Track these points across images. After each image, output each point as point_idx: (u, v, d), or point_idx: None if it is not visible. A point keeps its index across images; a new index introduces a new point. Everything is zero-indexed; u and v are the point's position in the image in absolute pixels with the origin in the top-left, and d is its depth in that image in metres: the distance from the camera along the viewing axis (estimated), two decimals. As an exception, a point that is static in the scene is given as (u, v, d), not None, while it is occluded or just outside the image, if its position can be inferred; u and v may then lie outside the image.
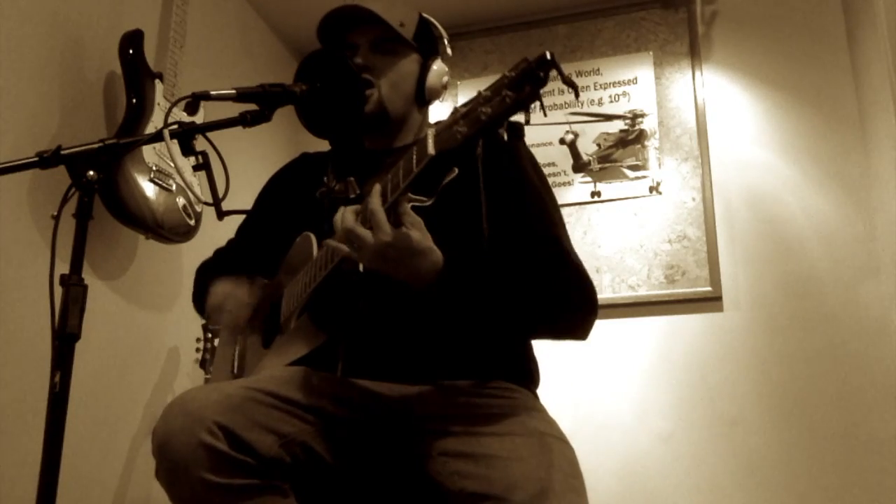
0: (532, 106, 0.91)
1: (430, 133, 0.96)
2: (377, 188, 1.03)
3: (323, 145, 1.50)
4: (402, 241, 1.01)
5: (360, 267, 1.16)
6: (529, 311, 1.16)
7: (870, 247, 2.58)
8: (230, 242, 1.58)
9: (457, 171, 1.26)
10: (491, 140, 1.21)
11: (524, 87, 0.88)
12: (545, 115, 0.92)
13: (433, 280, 1.05)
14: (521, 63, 0.89)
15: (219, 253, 1.57)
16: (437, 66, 1.39)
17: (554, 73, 0.88)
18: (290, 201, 1.46)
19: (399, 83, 1.36)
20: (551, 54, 0.87)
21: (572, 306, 1.20)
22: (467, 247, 1.17)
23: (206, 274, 1.51)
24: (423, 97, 1.38)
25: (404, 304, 1.22)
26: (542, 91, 0.89)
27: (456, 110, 0.95)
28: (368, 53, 1.35)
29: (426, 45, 1.40)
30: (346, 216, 1.04)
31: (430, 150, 0.95)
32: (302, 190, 1.43)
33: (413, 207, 1.17)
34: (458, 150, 0.94)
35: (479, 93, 0.92)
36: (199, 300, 1.49)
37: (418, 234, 1.03)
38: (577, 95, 0.98)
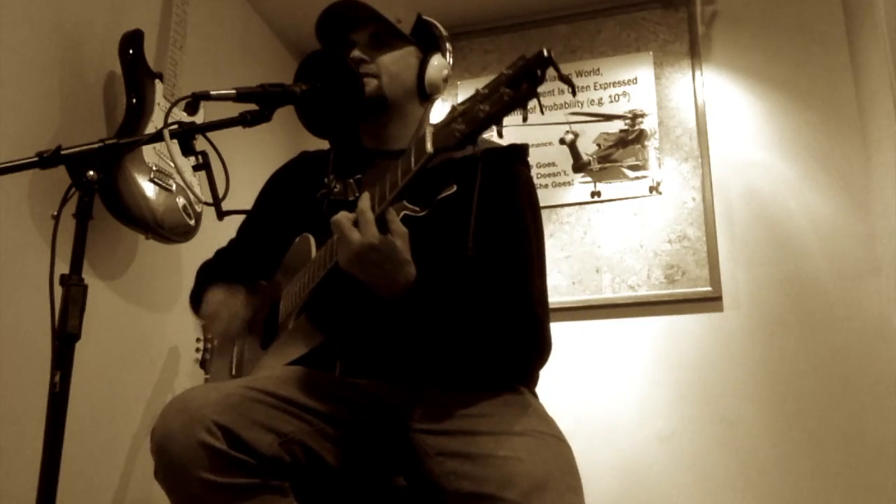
0: (530, 105, 0.91)
1: (429, 131, 0.97)
2: (366, 193, 1.04)
3: (323, 144, 1.50)
4: (385, 246, 1.02)
5: None
6: (480, 347, 1.17)
7: (870, 247, 2.58)
8: (231, 242, 1.58)
9: (455, 187, 1.26)
10: (494, 161, 1.21)
11: (522, 84, 0.88)
12: (542, 113, 0.93)
13: (400, 292, 1.07)
14: (519, 61, 0.89)
15: (220, 253, 1.57)
16: (437, 61, 1.39)
17: (551, 71, 0.88)
18: (289, 202, 1.46)
19: (398, 74, 1.35)
20: (548, 52, 0.88)
21: (521, 355, 1.21)
22: (449, 264, 1.17)
23: (206, 276, 1.50)
24: (424, 91, 1.38)
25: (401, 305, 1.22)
26: (540, 90, 0.89)
27: (454, 108, 0.95)
28: (366, 48, 1.35)
29: (426, 42, 1.41)
30: (338, 215, 1.05)
31: (429, 147, 0.95)
32: (302, 190, 1.43)
33: (405, 216, 1.18)
34: (456, 147, 0.94)
35: (478, 90, 0.92)
36: (196, 302, 1.49)
37: (402, 243, 1.04)
38: (573, 93, 0.98)
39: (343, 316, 1.24)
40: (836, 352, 2.53)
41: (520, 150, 1.34)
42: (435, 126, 0.97)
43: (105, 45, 2.16)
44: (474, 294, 1.15)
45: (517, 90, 0.88)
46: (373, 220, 1.01)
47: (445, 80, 1.41)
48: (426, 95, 1.40)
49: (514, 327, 1.18)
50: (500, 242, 1.23)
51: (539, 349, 1.22)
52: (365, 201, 1.03)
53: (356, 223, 1.03)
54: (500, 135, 0.93)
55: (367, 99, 1.32)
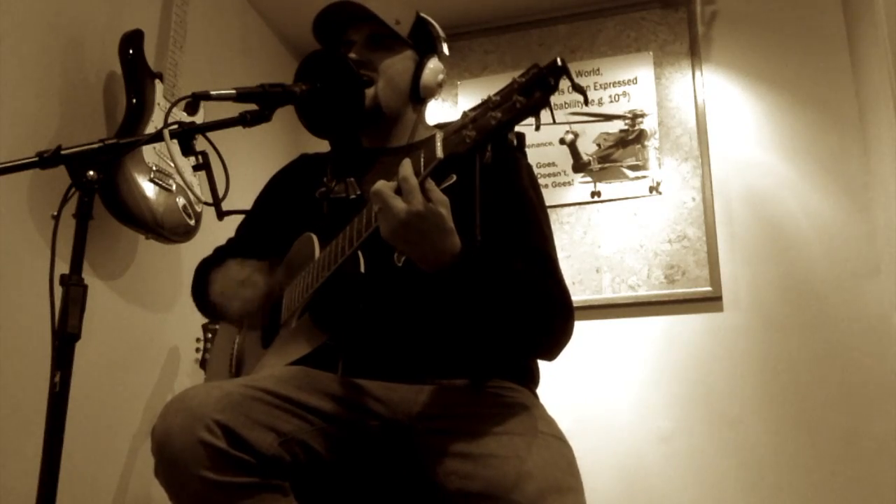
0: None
1: (439, 136, 0.96)
2: (407, 160, 1.00)
3: (323, 145, 1.50)
4: (432, 214, 0.98)
5: (362, 268, 1.16)
6: (516, 321, 1.14)
7: (870, 247, 2.58)
8: (230, 241, 1.57)
9: (455, 177, 1.26)
10: (493, 149, 1.21)
11: (534, 92, 0.88)
12: (554, 120, 0.92)
13: (447, 263, 1.03)
14: (532, 69, 0.89)
15: (220, 251, 1.57)
16: (433, 65, 1.39)
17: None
18: (289, 202, 1.45)
19: (394, 78, 1.36)
20: (562, 61, 0.87)
21: (553, 325, 1.19)
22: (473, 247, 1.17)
23: (208, 268, 1.49)
24: (419, 95, 1.38)
25: (404, 305, 1.22)
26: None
27: (465, 114, 0.94)
28: (363, 49, 1.35)
29: (423, 43, 1.40)
30: (378, 183, 1.00)
31: (439, 153, 0.95)
32: (301, 190, 1.43)
33: None
34: (466, 154, 0.93)
35: (489, 97, 0.92)
36: (202, 293, 1.45)
37: (446, 212, 1.01)
38: (586, 102, 0.98)
39: (346, 316, 1.24)
40: (836, 351, 2.53)
41: (517, 139, 1.34)
42: (445, 131, 0.96)
43: (105, 45, 2.16)
44: (508, 273, 1.13)
45: (530, 98, 0.88)
46: (417, 186, 0.97)
47: (440, 85, 1.41)
48: (420, 99, 1.40)
49: (550, 306, 1.18)
50: (514, 226, 1.24)
51: (568, 323, 1.21)
52: (407, 168, 0.98)
53: (398, 191, 0.98)
54: (511, 142, 0.93)
55: (366, 111, 1.32)
